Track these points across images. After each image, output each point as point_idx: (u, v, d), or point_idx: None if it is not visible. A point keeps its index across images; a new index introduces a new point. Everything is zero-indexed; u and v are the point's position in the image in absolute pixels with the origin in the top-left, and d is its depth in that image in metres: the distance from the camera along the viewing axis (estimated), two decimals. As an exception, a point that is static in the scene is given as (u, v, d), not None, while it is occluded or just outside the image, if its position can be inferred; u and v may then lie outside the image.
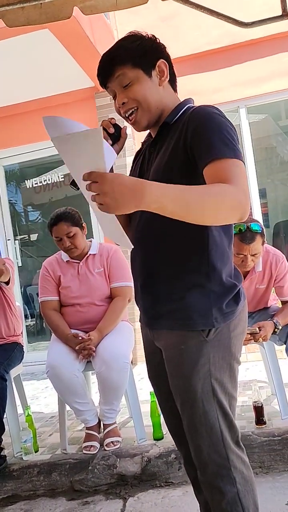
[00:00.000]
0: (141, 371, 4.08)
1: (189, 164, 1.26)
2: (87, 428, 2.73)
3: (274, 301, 3.01)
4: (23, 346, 3.10)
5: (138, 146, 1.65)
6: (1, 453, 2.70)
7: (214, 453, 1.30)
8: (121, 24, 4.56)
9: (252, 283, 2.81)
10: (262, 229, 2.64)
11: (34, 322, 5.95)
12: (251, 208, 5.00)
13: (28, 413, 2.85)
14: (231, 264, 1.38)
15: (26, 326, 5.61)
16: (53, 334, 2.83)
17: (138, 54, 1.33)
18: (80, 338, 2.65)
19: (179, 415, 1.40)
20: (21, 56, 3.93)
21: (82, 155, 1.07)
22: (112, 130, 1.35)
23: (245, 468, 1.34)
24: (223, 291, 1.31)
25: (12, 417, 2.82)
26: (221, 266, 1.32)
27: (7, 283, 3.00)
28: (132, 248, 1.36)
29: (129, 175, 1.54)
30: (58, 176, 5.43)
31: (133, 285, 1.51)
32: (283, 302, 2.85)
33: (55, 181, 5.50)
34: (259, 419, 2.61)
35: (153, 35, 1.40)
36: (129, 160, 3.92)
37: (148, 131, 1.49)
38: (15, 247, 5.44)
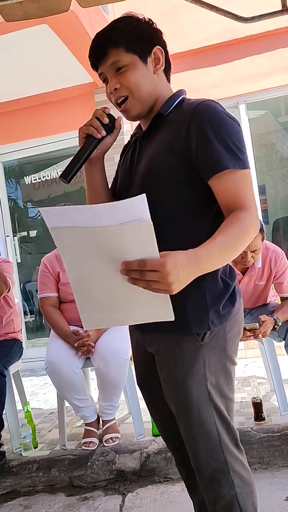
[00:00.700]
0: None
1: (186, 162, 1.21)
2: (86, 424, 2.73)
3: (273, 298, 3.01)
4: (22, 342, 3.10)
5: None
6: (0, 449, 2.70)
7: (211, 457, 1.26)
8: (120, 20, 4.54)
9: (251, 279, 2.81)
10: (262, 225, 2.64)
11: (34, 319, 5.95)
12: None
13: (27, 409, 2.85)
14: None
15: (26, 322, 5.61)
16: (52, 330, 2.82)
17: (133, 38, 1.26)
18: (79, 334, 2.65)
19: (169, 420, 1.37)
20: (20, 51, 3.92)
21: (122, 243, 0.97)
22: (106, 120, 1.30)
23: (244, 470, 1.29)
24: (219, 291, 1.26)
25: (11, 413, 2.82)
26: None
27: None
28: None
29: (117, 169, 1.50)
30: (57, 172, 5.42)
31: None
32: (283, 299, 2.85)
33: (54, 177, 5.49)
34: (258, 415, 2.62)
35: (150, 19, 1.33)
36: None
37: (138, 122, 1.43)
38: (14, 244, 5.44)
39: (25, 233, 6.08)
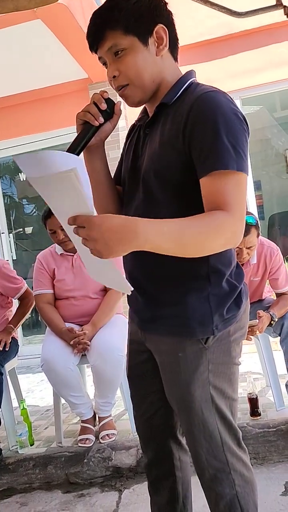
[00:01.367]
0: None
1: (185, 159, 1.13)
2: (83, 421, 2.73)
3: (268, 293, 3.01)
4: (17, 339, 3.09)
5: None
6: (-3, 447, 2.71)
7: (212, 458, 1.25)
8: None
9: (247, 275, 2.81)
10: (257, 221, 2.64)
11: (29, 316, 5.93)
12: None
13: (23, 406, 2.84)
14: (234, 263, 1.27)
15: (21, 319, 5.59)
16: (47, 327, 2.82)
17: (133, 17, 1.15)
18: (74, 332, 2.65)
19: (151, 419, 1.37)
20: (13, 47, 3.89)
21: (62, 196, 0.98)
22: (104, 106, 1.20)
23: (246, 469, 1.29)
24: (224, 294, 1.21)
25: (7, 410, 2.82)
26: (223, 266, 1.21)
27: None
28: None
29: (122, 154, 1.42)
30: (52, 169, 5.39)
31: None
32: (278, 294, 2.86)
33: (49, 173, 5.46)
34: (254, 410, 2.62)
35: None
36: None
37: (144, 106, 1.31)
38: (10, 241, 5.41)
39: (20, 230, 6.06)
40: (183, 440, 1.47)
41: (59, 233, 2.72)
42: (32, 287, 2.90)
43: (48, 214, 2.73)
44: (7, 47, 3.86)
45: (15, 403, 3.05)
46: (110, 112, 1.23)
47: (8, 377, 2.92)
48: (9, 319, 3.03)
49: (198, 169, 1.11)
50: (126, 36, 1.16)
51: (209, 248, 1.07)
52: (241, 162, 1.08)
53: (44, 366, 2.59)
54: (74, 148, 1.18)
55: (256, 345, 3.12)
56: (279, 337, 2.73)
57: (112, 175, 1.40)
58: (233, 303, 1.23)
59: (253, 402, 2.62)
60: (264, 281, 2.87)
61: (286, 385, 2.70)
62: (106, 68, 1.22)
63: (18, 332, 3.31)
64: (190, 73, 1.26)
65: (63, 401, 2.74)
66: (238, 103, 4.72)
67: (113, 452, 2.53)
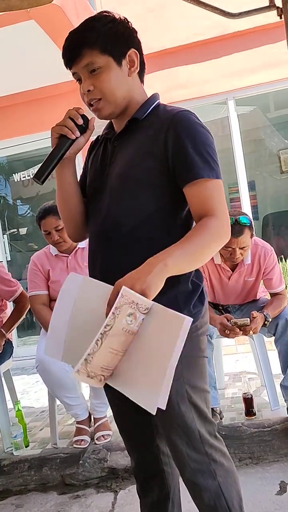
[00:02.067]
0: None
1: (163, 167, 1.25)
2: (78, 422, 2.73)
3: (263, 293, 3.02)
4: (12, 341, 3.08)
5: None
6: (-9, 449, 2.70)
7: (192, 451, 1.29)
8: (108, 15, 4.52)
9: (241, 275, 2.81)
10: (251, 222, 2.64)
11: (24, 317, 5.91)
12: (240, 201, 5.01)
13: (18, 408, 2.84)
14: None
15: (16, 320, 5.58)
16: (42, 328, 2.81)
17: (109, 40, 1.26)
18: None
19: (133, 418, 1.40)
20: (7, 48, 3.88)
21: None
22: (80, 121, 1.31)
23: (225, 459, 1.33)
24: (190, 292, 1.30)
25: (2, 412, 2.81)
26: None
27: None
28: (93, 244, 1.36)
29: (84, 167, 1.51)
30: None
31: None
32: (272, 294, 2.86)
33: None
34: (249, 410, 2.63)
35: (126, 18, 1.32)
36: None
37: (107, 122, 1.43)
38: (4, 242, 5.40)
39: (15, 231, 6.04)
40: None
41: (54, 234, 2.72)
42: (27, 288, 2.89)
43: (42, 215, 2.73)
44: (1, 47, 3.86)
45: (10, 405, 3.04)
46: (85, 127, 1.33)
47: (2, 378, 2.91)
48: (3, 322, 3.02)
49: (181, 178, 1.24)
50: (102, 56, 1.26)
51: (211, 254, 1.23)
52: (218, 170, 1.24)
53: (39, 367, 2.58)
54: (52, 159, 1.30)
55: (251, 345, 3.13)
56: (273, 337, 2.74)
57: None
58: (198, 300, 1.32)
59: (248, 401, 2.63)
60: (258, 281, 2.87)
61: (281, 384, 2.70)
62: (79, 83, 1.33)
63: (13, 333, 3.29)
64: (155, 96, 1.39)
65: (58, 402, 2.74)
66: (231, 103, 4.75)
67: (109, 453, 2.53)
